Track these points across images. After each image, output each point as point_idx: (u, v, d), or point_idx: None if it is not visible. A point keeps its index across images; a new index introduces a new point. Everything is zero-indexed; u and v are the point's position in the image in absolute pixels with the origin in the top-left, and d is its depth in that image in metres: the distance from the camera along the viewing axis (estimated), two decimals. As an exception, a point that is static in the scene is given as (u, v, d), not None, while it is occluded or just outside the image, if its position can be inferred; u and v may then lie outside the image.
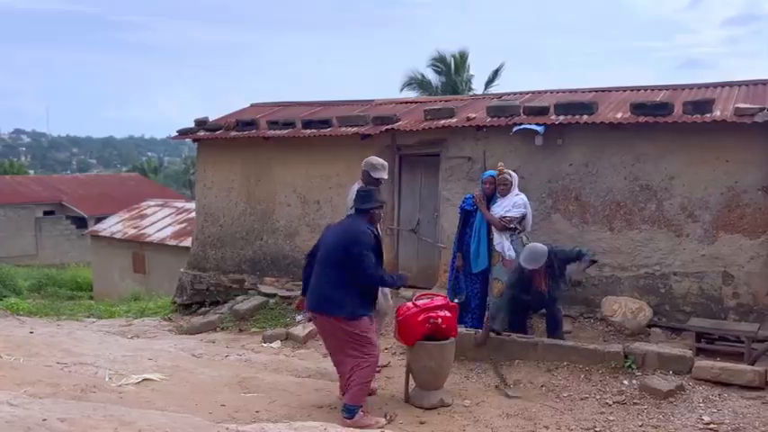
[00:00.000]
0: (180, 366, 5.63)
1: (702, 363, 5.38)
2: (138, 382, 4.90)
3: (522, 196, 6.48)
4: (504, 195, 6.43)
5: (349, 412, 4.35)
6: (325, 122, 8.61)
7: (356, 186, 5.35)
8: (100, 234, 18.92)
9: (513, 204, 6.37)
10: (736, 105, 6.38)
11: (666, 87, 7.96)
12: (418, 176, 8.37)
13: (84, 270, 21.98)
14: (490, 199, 6.52)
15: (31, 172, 55.82)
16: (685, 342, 6.21)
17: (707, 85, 7.75)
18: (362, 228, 4.50)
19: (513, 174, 6.55)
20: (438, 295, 5.31)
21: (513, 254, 6.27)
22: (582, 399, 5.05)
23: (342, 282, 4.37)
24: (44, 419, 3.16)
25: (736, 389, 5.09)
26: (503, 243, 6.34)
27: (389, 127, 8.09)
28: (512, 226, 6.33)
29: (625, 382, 5.27)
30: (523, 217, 6.41)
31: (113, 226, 18.90)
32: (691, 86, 7.82)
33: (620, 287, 6.94)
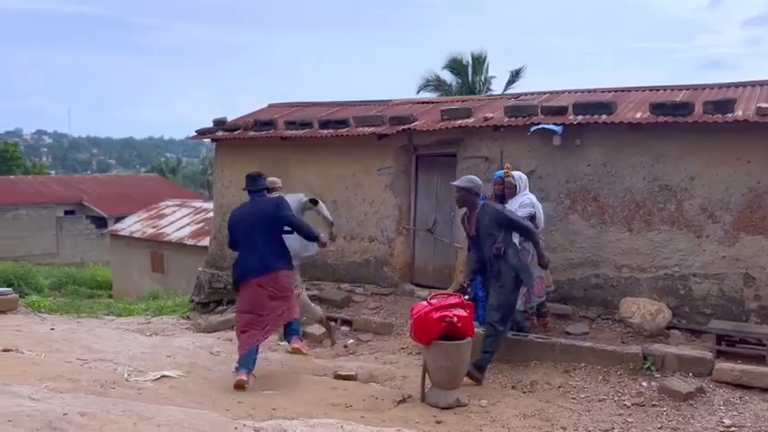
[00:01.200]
0: (198, 364, 5.68)
1: (723, 365, 5.32)
2: (157, 379, 4.94)
3: (530, 196, 6.45)
4: (511, 197, 6.44)
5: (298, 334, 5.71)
6: (342, 122, 8.64)
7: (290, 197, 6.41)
8: (119, 233, 19.16)
9: (519, 205, 6.36)
10: (759, 105, 6.29)
11: (686, 87, 7.87)
12: (435, 176, 8.36)
13: (103, 269, 22.27)
14: (503, 199, 6.52)
15: (53, 172, 56.66)
16: (705, 344, 6.13)
17: (728, 85, 7.65)
18: (273, 200, 5.58)
19: (518, 175, 6.50)
20: (452, 295, 5.30)
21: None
22: (600, 400, 5.01)
23: (275, 246, 5.30)
24: (65, 414, 3.21)
25: (757, 392, 5.02)
26: None
27: (406, 127, 8.10)
28: None
29: (644, 383, 5.23)
30: (532, 216, 6.37)
31: (132, 225, 19.13)
32: (711, 86, 7.72)
33: (638, 288, 6.87)
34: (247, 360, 5.16)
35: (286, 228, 5.40)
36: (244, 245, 5.33)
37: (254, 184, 5.49)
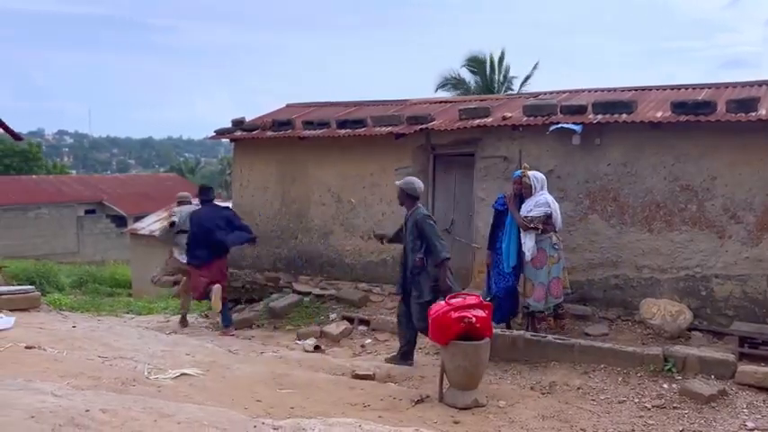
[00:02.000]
0: (217, 362, 5.70)
1: (746, 367, 5.24)
2: (176, 377, 4.97)
3: (546, 196, 6.42)
4: (528, 197, 6.42)
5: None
6: (360, 122, 8.64)
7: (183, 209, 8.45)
8: (138, 232, 19.31)
9: (535, 204, 6.37)
10: (783, 103, 6.20)
11: (708, 86, 7.77)
12: (453, 176, 8.33)
13: (123, 267, 22.46)
14: (520, 198, 6.51)
15: (74, 172, 57.29)
16: (727, 346, 6.05)
17: (751, 84, 7.54)
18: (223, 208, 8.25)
19: (534, 175, 6.47)
20: (471, 294, 5.28)
21: (535, 253, 6.31)
22: (620, 402, 4.96)
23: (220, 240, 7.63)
24: (87, 410, 3.25)
25: (781, 395, 4.93)
26: (526, 243, 6.33)
27: (424, 126, 8.08)
28: (532, 226, 6.29)
29: (665, 385, 5.16)
30: (548, 216, 6.34)
31: (152, 225, 19.26)
32: (734, 85, 7.61)
33: (659, 289, 6.80)
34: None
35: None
36: (199, 240, 7.53)
37: (208, 194, 7.91)
